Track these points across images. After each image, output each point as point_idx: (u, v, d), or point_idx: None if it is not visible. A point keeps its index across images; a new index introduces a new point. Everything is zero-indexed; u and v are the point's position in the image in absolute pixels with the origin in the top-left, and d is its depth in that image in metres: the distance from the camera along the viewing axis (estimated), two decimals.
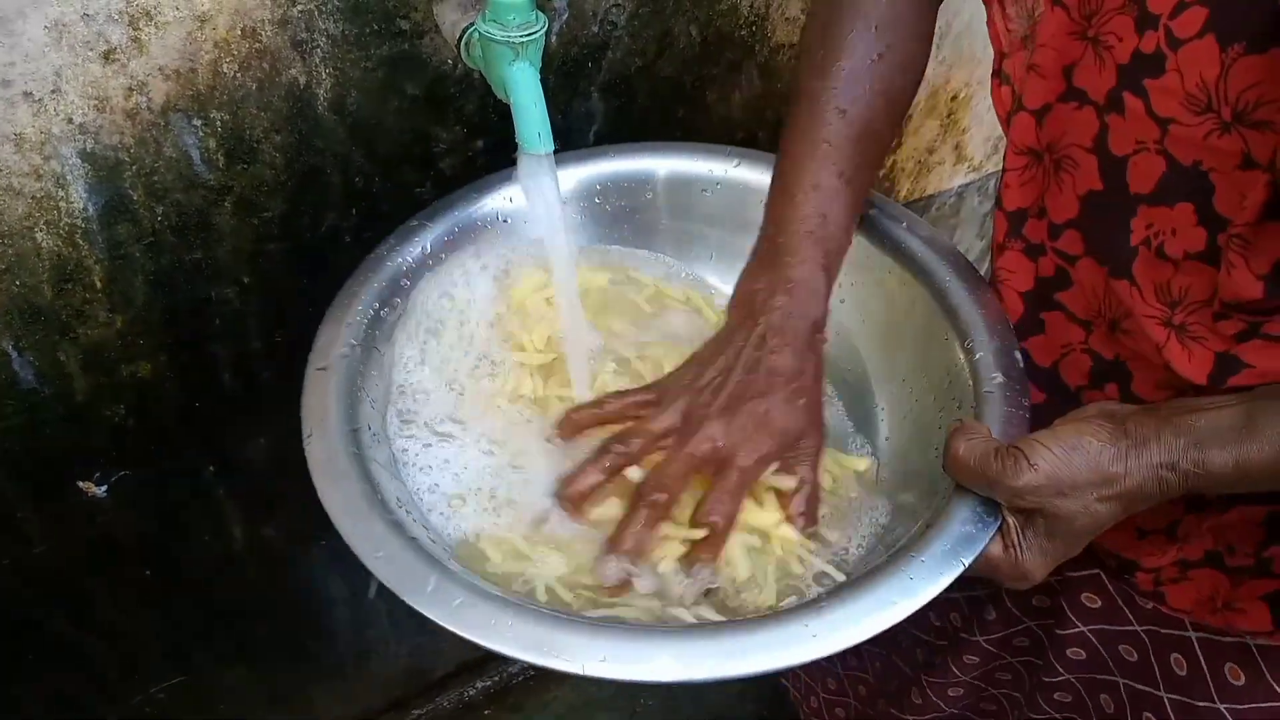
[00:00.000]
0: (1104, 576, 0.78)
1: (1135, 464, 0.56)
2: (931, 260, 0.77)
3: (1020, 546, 0.60)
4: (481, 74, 0.81)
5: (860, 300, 0.83)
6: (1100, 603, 0.78)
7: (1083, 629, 0.80)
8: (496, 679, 1.68)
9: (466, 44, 0.75)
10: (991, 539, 0.60)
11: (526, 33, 0.68)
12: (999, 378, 0.67)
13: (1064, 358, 0.71)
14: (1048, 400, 0.74)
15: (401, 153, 0.88)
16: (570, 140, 0.99)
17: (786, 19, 1.04)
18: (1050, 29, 0.64)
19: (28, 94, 0.68)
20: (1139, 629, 0.77)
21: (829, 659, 1.22)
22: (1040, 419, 0.74)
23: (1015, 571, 0.61)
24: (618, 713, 1.74)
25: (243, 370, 0.94)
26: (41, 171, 0.72)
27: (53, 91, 0.68)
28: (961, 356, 0.71)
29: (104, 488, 0.95)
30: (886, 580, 0.57)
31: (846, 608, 0.55)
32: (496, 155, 0.94)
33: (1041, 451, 0.57)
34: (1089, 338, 0.69)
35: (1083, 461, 0.57)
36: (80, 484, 0.93)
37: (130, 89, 0.71)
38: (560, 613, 0.56)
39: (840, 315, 0.82)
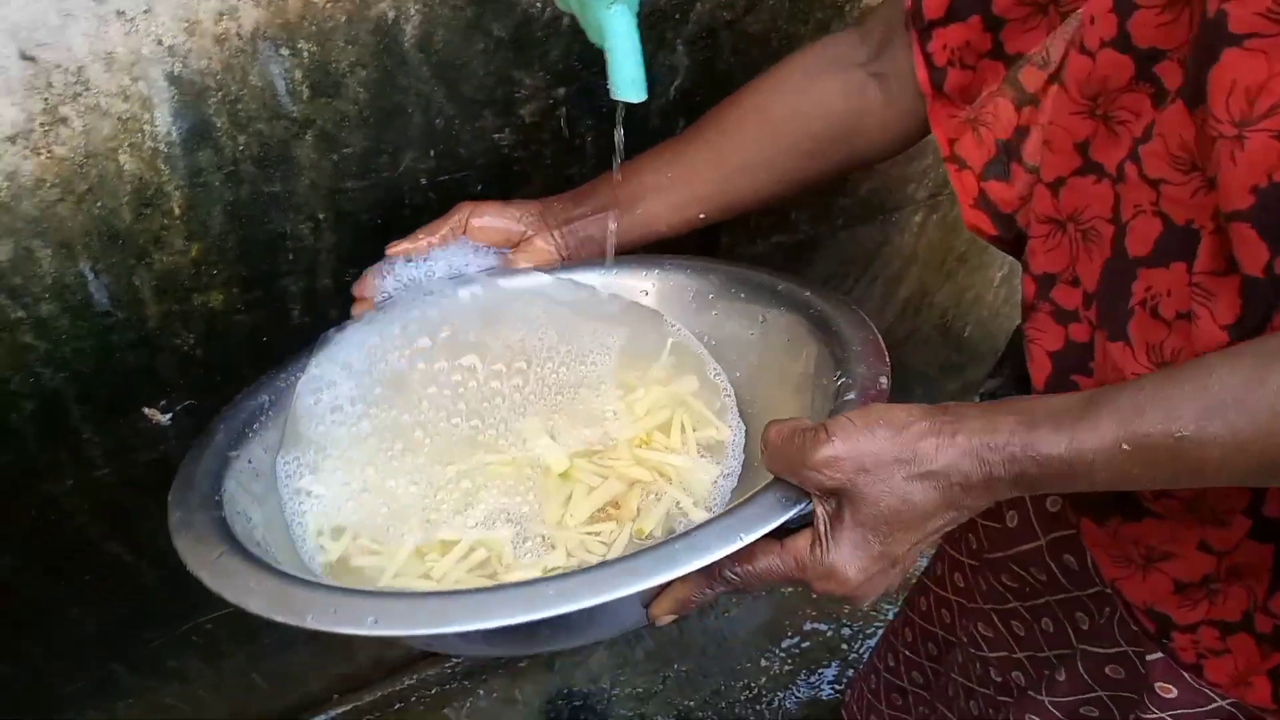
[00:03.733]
0: (1171, 661, 0.75)
1: (949, 440, 0.53)
2: (823, 310, 0.79)
3: (826, 539, 0.57)
4: (571, 18, 0.80)
5: (765, 354, 0.84)
6: (1176, 692, 0.76)
7: (1163, 715, 0.78)
8: None
9: None
10: (796, 531, 0.57)
11: None
12: (853, 396, 0.67)
13: None
14: None
15: (484, 96, 0.87)
16: (650, 94, 0.97)
17: None
18: (1056, 108, 0.64)
19: (120, 13, 0.67)
20: (1223, 703, 0.74)
21: (873, 691, 1.22)
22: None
23: (821, 568, 0.57)
24: (652, 671, 1.74)
25: (311, 307, 0.93)
26: (129, 93, 0.71)
27: (145, 11, 0.68)
28: (831, 384, 0.72)
29: (168, 416, 0.95)
30: (654, 553, 0.55)
31: (596, 574, 0.54)
32: (577, 103, 0.93)
33: (842, 423, 0.55)
34: None
35: (887, 434, 0.54)
36: (146, 410, 0.94)
37: (221, 13, 0.70)
38: (308, 578, 0.61)
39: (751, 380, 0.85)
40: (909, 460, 0.54)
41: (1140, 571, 0.71)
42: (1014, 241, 0.74)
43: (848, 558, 0.56)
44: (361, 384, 0.81)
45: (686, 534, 0.56)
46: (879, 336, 0.74)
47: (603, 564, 0.57)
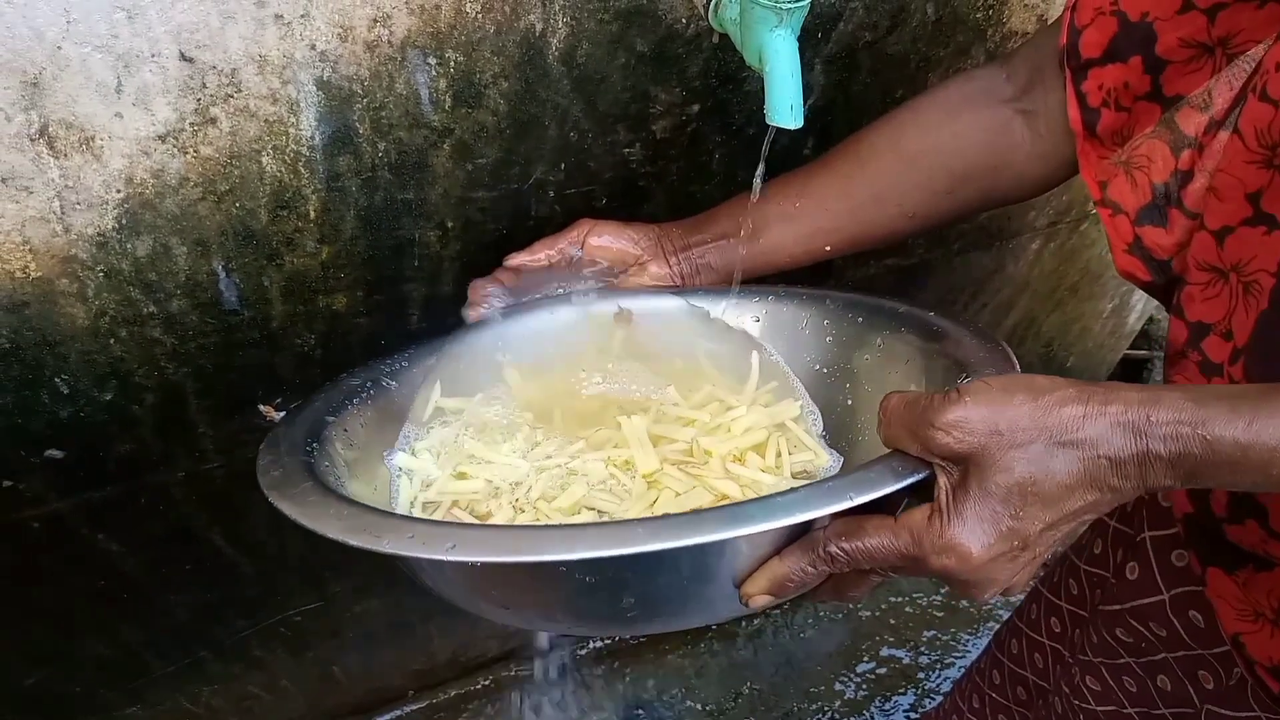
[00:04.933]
0: None
1: (1099, 409, 0.48)
2: (946, 327, 0.77)
3: (948, 509, 0.51)
4: (720, 39, 0.78)
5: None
6: None
7: None
8: (609, 644, 1.69)
9: (716, 4, 0.72)
10: (908, 499, 0.52)
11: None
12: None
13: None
14: (1195, 511, 0.69)
15: (619, 111, 0.85)
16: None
17: (1025, 5, 0.98)
18: (1227, 156, 0.61)
19: (279, 16, 0.67)
20: None
21: None
22: (1189, 536, 0.71)
23: (940, 541, 0.51)
24: (725, 688, 1.73)
25: (431, 312, 0.93)
26: (278, 96, 0.71)
27: (302, 16, 0.67)
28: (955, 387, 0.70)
29: (282, 413, 0.95)
30: (755, 503, 0.52)
31: (691, 517, 0.51)
32: (708, 120, 0.91)
33: (977, 385, 0.50)
34: None
35: (1026, 397, 0.49)
36: (261, 407, 0.94)
37: (375, 20, 0.70)
38: (382, 511, 0.60)
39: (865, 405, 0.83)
40: (1050, 427, 0.49)
41: (1269, 626, 0.68)
42: (1165, 286, 0.70)
43: (971, 530, 0.51)
44: (477, 379, 0.84)
45: (791, 490, 0.53)
46: (1006, 346, 0.71)
47: (699, 510, 0.53)
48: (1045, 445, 0.49)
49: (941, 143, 0.78)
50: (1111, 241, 0.71)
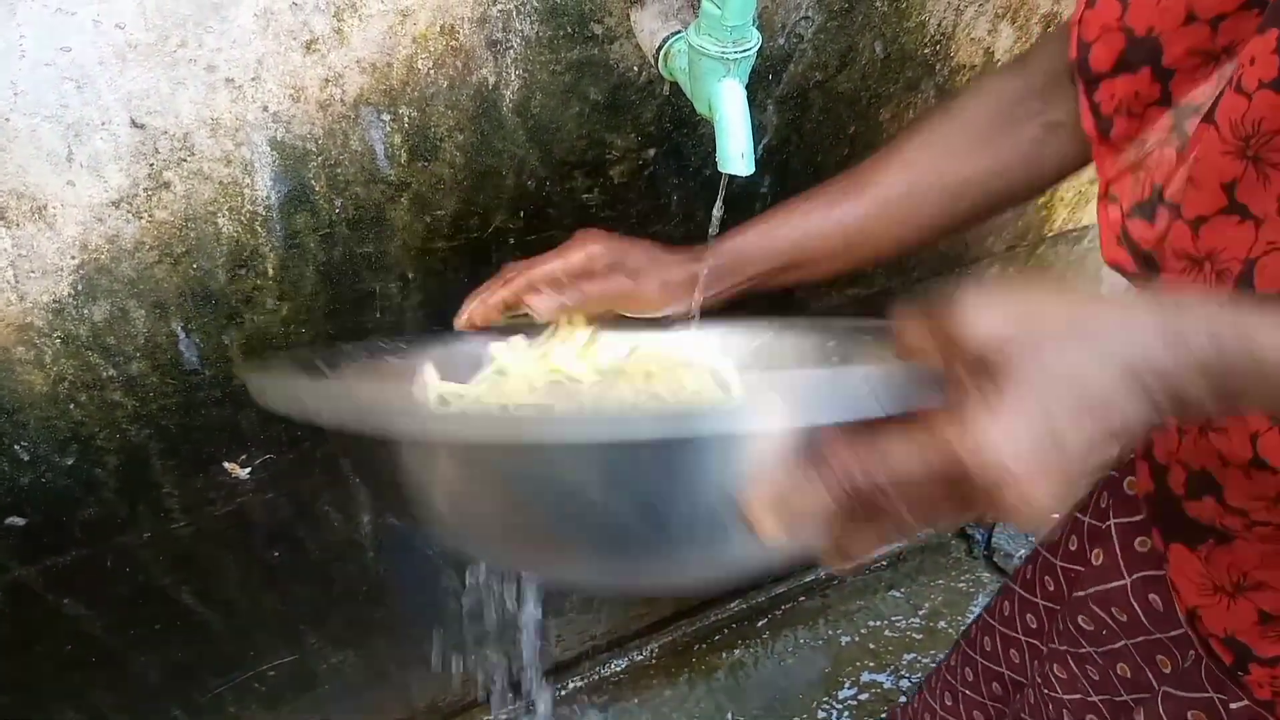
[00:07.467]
0: (1252, 703, 0.72)
1: (1127, 304, 0.46)
2: None
3: (978, 411, 0.43)
4: (671, 85, 0.79)
5: None
6: None
7: None
8: (590, 679, 1.68)
9: (665, 54, 0.72)
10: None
11: (741, 49, 0.65)
12: None
13: (1170, 466, 0.70)
14: (1155, 491, 0.72)
15: (575, 158, 0.86)
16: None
17: (971, 39, 0.99)
18: (1205, 146, 0.62)
19: (229, 80, 0.67)
20: None
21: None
22: (1153, 517, 0.74)
23: (972, 439, 0.42)
24: None
25: None
26: (232, 158, 0.71)
27: (253, 79, 0.68)
28: None
29: (248, 470, 0.95)
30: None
31: (640, 416, 0.47)
32: (664, 163, 0.92)
33: (997, 289, 0.46)
34: (1180, 447, 0.67)
35: (1056, 294, 0.46)
36: (226, 465, 0.93)
37: (326, 80, 0.70)
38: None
39: None
40: (1082, 318, 0.45)
41: (1227, 599, 0.70)
42: (1149, 278, 0.72)
43: (1006, 426, 0.42)
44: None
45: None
46: None
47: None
48: (1080, 342, 0.44)
49: (981, 171, 0.78)
50: (1102, 232, 0.72)
